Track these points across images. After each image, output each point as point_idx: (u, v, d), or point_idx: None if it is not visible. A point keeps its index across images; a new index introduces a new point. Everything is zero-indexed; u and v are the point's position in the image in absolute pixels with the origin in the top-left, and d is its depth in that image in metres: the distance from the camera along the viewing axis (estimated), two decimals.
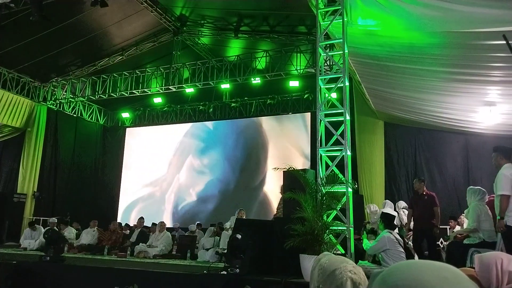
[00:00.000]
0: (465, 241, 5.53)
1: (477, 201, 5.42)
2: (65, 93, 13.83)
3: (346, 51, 6.23)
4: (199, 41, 13.18)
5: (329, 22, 6.31)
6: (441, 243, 9.22)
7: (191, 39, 13.02)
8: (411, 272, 0.72)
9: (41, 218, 12.71)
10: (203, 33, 12.76)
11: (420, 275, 0.70)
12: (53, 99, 14.00)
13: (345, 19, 6.15)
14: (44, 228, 10.56)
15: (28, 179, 13.22)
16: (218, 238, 9.01)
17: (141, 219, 10.59)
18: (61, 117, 14.66)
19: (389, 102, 9.43)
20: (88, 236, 10.28)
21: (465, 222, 6.37)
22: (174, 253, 9.11)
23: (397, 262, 4.35)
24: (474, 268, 2.14)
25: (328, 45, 7.16)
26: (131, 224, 12.71)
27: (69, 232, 10.90)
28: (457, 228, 8.15)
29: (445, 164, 10.36)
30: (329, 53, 6.86)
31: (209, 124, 14.70)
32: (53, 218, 11.12)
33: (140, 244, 9.08)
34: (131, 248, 9.02)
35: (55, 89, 14.05)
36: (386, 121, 10.60)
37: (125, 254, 8.74)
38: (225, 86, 12.61)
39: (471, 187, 5.77)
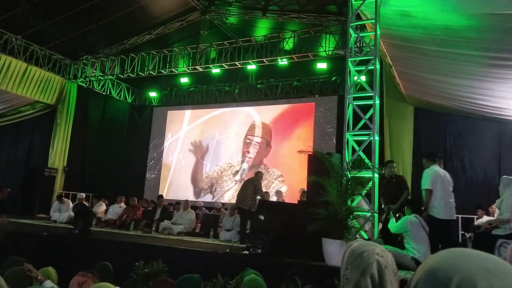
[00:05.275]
0: (494, 232, 5.38)
1: (511, 191, 5.25)
2: (95, 71, 14.06)
3: (378, 32, 6.04)
4: (226, 21, 13.07)
5: (362, 1, 6.12)
6: (467, 233, 9.03)
7: (218, 18, 12.93)
8: (451, 257, 0.71)
9: (70, 193, 13.13)
10: (230, 13, 12.64)
11: (459, 261, 0.69)
12: (83, 76, 14.27)
13: None
14: (72, 202, 10.93)
15: (58, 154, 13.63)
16: (238, 218, 9.09)
17: (161, 197, 10.76)
18: (90, 95, 14.96)
19: (421, 87, 9.15)
20: (115, 211, 10.57)
21: (496, 212, 6.19)
22: (198, 231, 9.27)
23: (418, 243, 4.43)
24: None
25: (359, 26, 6.96)
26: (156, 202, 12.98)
27: (99, 207, 11.23)
28: (485, 218, 7.95)
29: (476, 153, 10.03)
30: (360, 34, 6.66)
31: (233, 104, 14.67)
32: (81, 194, 11.47)
33: (165, 221, 9.27)
34: (156, 224, 9.24)
35: (85, 67, 14.30)
36: (416, 106, 10.30)
37: (150, 230, 8.96)
38: (251, 67, 12.51)
39: (506, 176, 5.57)
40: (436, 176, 5.51)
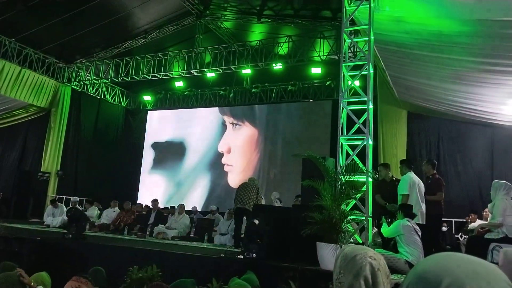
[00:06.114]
0: (487, 236, 5.42)
1: (502, 195, 5.31)
2: (89, 75, 14.02)
3: (372, 37, 6.09)
4: (221, 25, 13.11)
5: (356, 7, 6.16)
6: (461, 236, 9.08)
7: (213, 23, 12.96)
8: (441, 261, 0.72)
9: (64, 197, 13.04)
10: (225, 17, 12.68)
11: (449, 265, 0.70)
12: (77, 80, 14.21)
13: (372, 5, 5.98)
14: (66, 207, 10.86)
15: (52, 158, 13.54)
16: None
17: (155, 201, 10.70)
18: (84, 98, 14.88)
19: (414, 91, 9.22)
20: (109, 216, 10.52)
21: (489, 216, 6.25)
22: (192, 235, 9.24)
23: (411, 246, 4.46)
24: (494, 263, 2.09)
25: (353, 31, 7.00)
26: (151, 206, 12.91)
27: (92, 211, 11.17)
28: (478, 222, 8.00)
29: (469, 157, 10.11)
30: (354, 40, 6.71)
31: (228, 109, 14.70)
32: (75, 197, 11.39)
33: (159, 225, 9.24)
34: (150, 229, 9.20)
35: (79, 70, 14.25)
36: (409, 110, 10.37)
37: (144, 234, 8.92)
38: (246, 71, 12.53)
39: (496, 181, 5.63)
40: (412, 182, 5.92)
